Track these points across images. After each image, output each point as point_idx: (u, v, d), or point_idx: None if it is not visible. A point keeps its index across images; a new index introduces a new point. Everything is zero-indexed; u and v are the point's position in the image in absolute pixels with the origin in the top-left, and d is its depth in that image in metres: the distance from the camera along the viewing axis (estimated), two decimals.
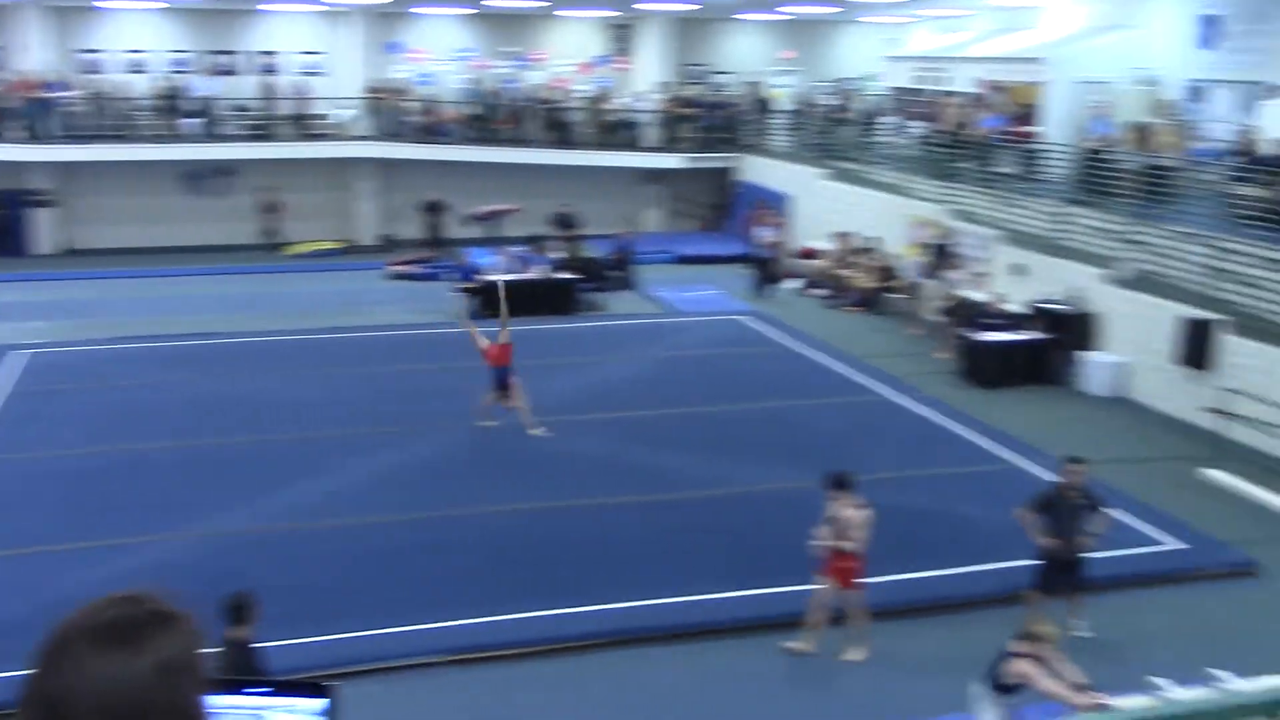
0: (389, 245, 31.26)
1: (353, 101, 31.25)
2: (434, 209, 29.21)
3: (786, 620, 10.66)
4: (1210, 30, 23.44)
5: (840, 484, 10.28)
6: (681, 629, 10.67)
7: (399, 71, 32.43)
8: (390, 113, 31.38)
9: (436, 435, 15.94)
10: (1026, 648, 8.18)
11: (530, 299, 23.47)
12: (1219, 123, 22.77)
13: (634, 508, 13.44)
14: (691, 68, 34.81)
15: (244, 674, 6.93)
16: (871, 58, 34.58)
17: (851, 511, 10.15)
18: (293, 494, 13.74)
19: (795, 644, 10.37)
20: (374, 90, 31.43)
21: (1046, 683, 8.01)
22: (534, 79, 33.23)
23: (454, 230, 29.22)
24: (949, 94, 27.93)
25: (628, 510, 13.37)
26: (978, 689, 8.43)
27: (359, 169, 31.86)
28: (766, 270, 25.66)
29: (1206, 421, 15.90)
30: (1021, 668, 8.11)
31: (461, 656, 10.21)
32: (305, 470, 14.49)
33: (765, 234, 26.57)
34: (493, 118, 31.79)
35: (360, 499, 13.60)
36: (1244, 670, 8.53)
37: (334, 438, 15.72)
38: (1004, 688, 8.28)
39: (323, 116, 31.06)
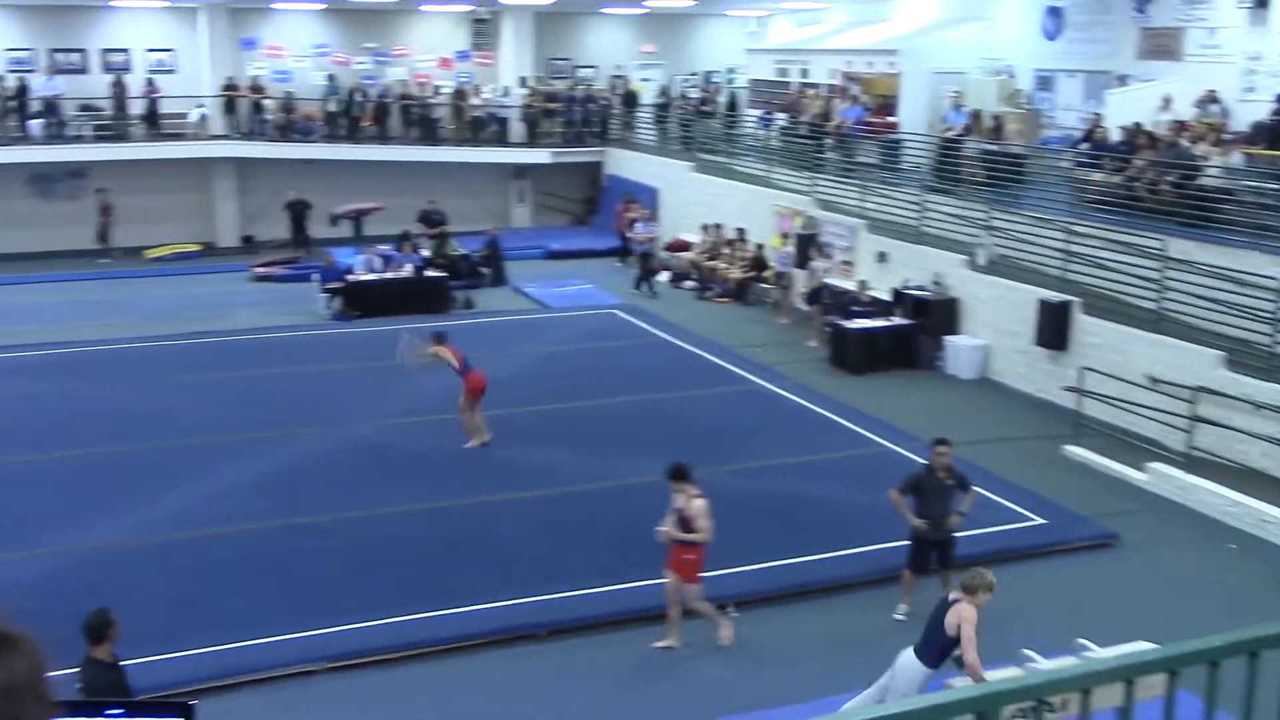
0: (251, 247, 30.57)
1: (207, 100, 30.46)
2: (298, 208, 28.65)
3: (649, 613, 10.78)
4: (1055, 21, 24.32)
5: (678, 475, 10.05)
6: (564, 625, 10.68)
7: (255, 68, 31.70)
8: (247, 111, 30.67)
9: (309, 439, 15.66)
10: (969, 598, 8.32)
11: (399, 298, 23.23)
12: (1068, 111, 23.65)
13: (515, 505, 13.41)
14: (555, 62, 34.77)
15: (104, 695, 6.73)
16: (733, 50, 35.01)
17: (688, 502, 9.97)
18: (160, 505, 13.36)
19: (662, 642, 10.32)
20: (229, 88, 30.67)
21: (973, 651, 8.09)
22: (395, 75, 32.81)
23: (319, 230, 28.71)
24: (809, 86, 28.44)
25: (509, 508, 13.33)
26: (909, 658, 8.54)
27: (217, 169, 31.05)
28: (646, 265, 25.74)
29: (1066, 400, 16.52)
30: (965, 612, 8.17)
31: (343, 663, 10.07)
32: (173, 480, 14.10)
33: (644, 229, 26.63)
34: (354, 114, 31.31)
35: (232, 506, 13.29)
36: (1109, 638, 8.90)
37: (202, 445, 15.33)
38: (937, 652, 8.35)
39: (178, 116, 30.18)
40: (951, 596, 8.50)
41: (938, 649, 8.48)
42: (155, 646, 9.91)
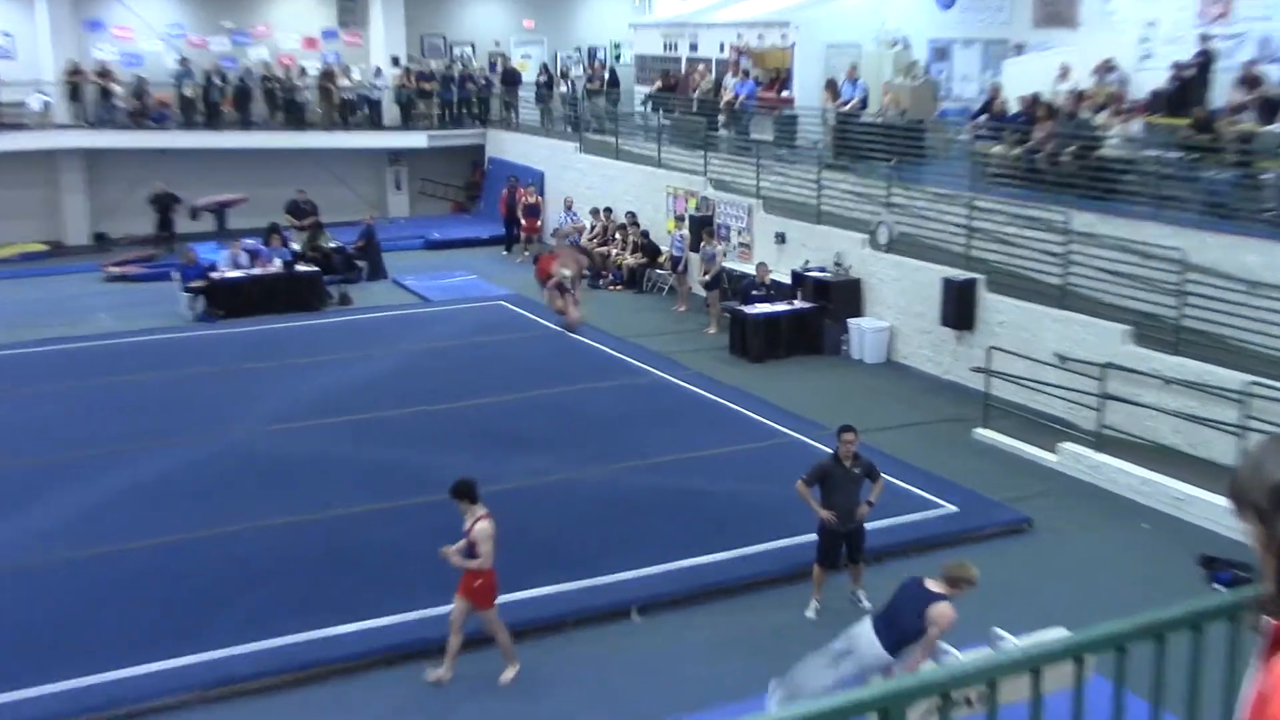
0: (104, 245, 29.72)
1: (49, 86, 29.48)
2: (164, 202, 27.84)
3: (550, 623, 10.79)
4: None
5: (462, 493, 9.66)
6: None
7: (102, 52, 30.77)
8: (94, 98, 29.77)
9: (177, 449, 15.26)
10: (951, 592, 8.32)
11: (268, 296, 22.80)
12: (965, 81, 24.05)
13: (398, 514, 13.19)
14: (429, 39, 34.38)
15: None
16: (618, 25, 34.96)
17: (473, 524, 9.56)
18: (15, 525, 12.89)
19: (434, 673, 9.85)
20: (74, 73, 29.72)
21: (926, 656, 8.08)
22: (256, 56, 32.13)
23: (179, 225, 28.01)
24: (699, 61, 28.53)
25: (395, 516, 13.11)
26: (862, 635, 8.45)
27: (64, 161, 30.09)
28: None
29: (974, 381, 16.81)
30: (947, 612, 8.16)
31: (214, 692, 9.79)
32: (28, 498, 13.62)
33: (568, 219, 26.27)
34: (212, 100, 30.58)
35: (96, 525, 12.86)
36: (1025, 626, 9.05)
37: (60, 460, 14.83)
38: (900, 639, 8.33)
39: (17, 105, 29.16)
40: (932, 587, 8.49)
41: (902, 636, 8.44)
42: (5, 684, 9.57)
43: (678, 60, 29.64)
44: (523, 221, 28.28)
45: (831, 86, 23.44)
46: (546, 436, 15.68)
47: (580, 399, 17.35)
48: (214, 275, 22.83)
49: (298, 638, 10.46)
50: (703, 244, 22.11)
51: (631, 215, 25.47)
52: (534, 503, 13.48)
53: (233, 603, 11.14)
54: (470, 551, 9.57)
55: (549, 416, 16.55)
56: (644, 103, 29.03)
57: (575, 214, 26.20)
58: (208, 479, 14.37)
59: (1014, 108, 20.11)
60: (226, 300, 22.56)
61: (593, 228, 26.63)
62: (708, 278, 21.49)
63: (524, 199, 28.05)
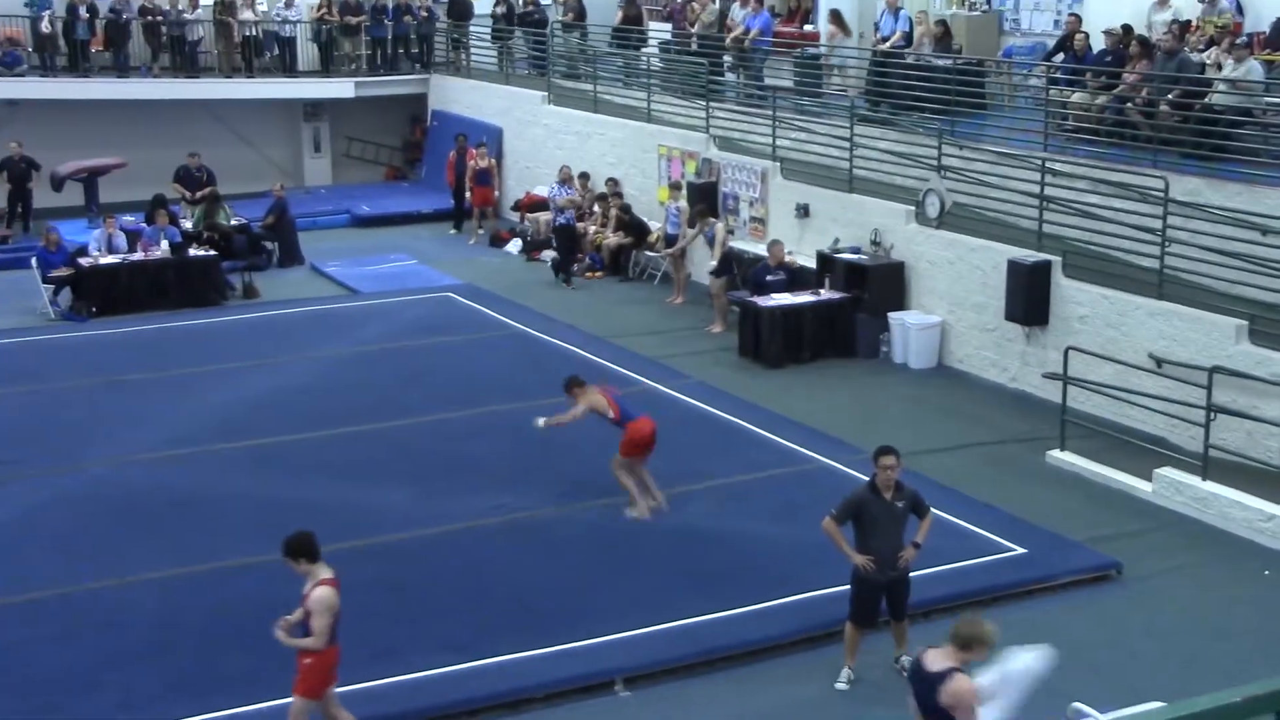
0: None
1: None
2: (19, 169, 27.75)
3: (510, 698, 10.80)
4: None
5: (297, 551, 9.54)
6: None
7: None
8: None
9: (30, 484, 15.26)
10: (958, 658, 8.32)
11: (152, 287, 22.78)
12: (1036, 12, 24.14)
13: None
14: None
15: None
16: None
17: (313, 588, 9.48)
18: None
19: None
20: None
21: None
22: None
23: (39, 198, 27.95)
24: None
25: None
26: None
27: None
28: (567, 242, 24.92)
29: (1048, 391, 16.85)
30: (963, 689, 8.14)
31: None
32: None
33: (561, 192, 26.23)
34: (78, 38, 30.54)
35: None
36: (1112, 698, 9.09)
37: None
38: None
39: None
40: (933, 662, 8.44)
41: None
42: None
43: None
44: (471, 192, 28.15)
45: (837, 19, 23.48)
46: (506, 465, 15.67)
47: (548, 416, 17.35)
48: (83, 262, 22.80)
49: None
50: (705, 218, 22.04)
51: (613, 183, 25.50)
52: (490, 549, 13.49)
53: (101, 682, 11.09)
54: (306, 625, 9.50)
55: (509, 440, 16.53)
56: (639, 42, 29.08)
57: (571, 188, 26.08)
58: (65, 523, 14.33)
59: (1099, 44, 20.21)
60: (99, 293, 22.53)
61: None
62: (711, 262, 21.50)
63: (474, 163, 27.99)
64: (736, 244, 22.00)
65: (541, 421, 14.49)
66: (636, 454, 14.10)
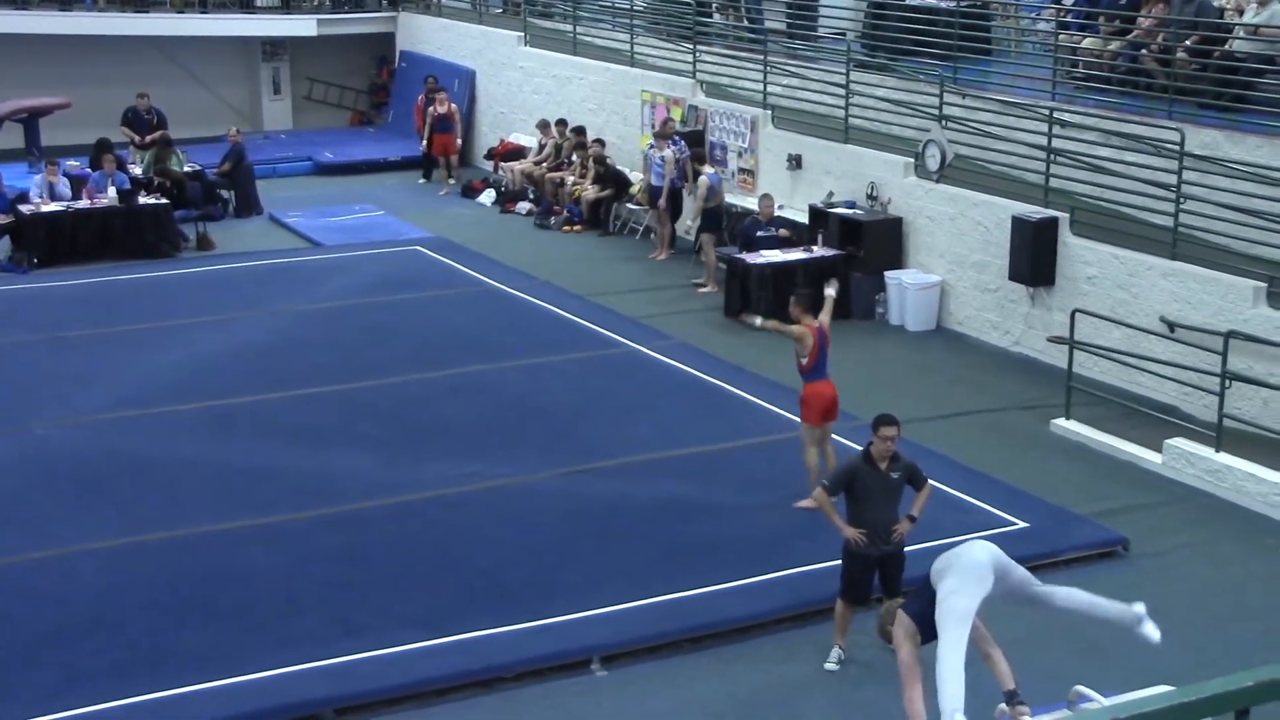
0: None
1: None
2: None
3: (481, 676, 10.81)
4: None
5: None
6: (350, 701, 10.59)
7: None
8: None
9: None
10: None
11: (98, 236, 22.71)
12: None
13: (279, 531, 13.22)
14: None
15: None
16: None
17: None
18: None
19: None
20: None
21: None
22: None
23: None
24: None
25: (271, 536, 13.13)
26: None
27: None
28: (678, 207, 23.07)
29: (1054, 356, 16.90)
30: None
31: None
32: None
33: (674, 148, 25.43)
34: None
35: None
36: (1117, 682, 9.16)
37: None
38: None
39: None
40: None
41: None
42: None
43: None
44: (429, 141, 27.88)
45: None
46: (478, 430, 15.71)
47: (524, 378, 17.37)
48: (23, 209, 22.71)
49: (131, 702, 10.45)
50: (691, 169, 22.02)
51: (579, 132, 25.41)
52: (460, 519, 13.52)
53: (42, 660, 11.08)
54: None
55: (481, 403, 16.57)
56: None
57: (678, 142, 25.45)
58: (7, 488, 14.32)
59: None
60: (41, 243, 22.44)
61: (541, 147, 26.62)
62: (696, 216, 21.46)
63: (433, 109, 27.64)
64: (723, 198, 21.90)
65: (759, 321, 15.55)
66: (815, 421, 13.46)
